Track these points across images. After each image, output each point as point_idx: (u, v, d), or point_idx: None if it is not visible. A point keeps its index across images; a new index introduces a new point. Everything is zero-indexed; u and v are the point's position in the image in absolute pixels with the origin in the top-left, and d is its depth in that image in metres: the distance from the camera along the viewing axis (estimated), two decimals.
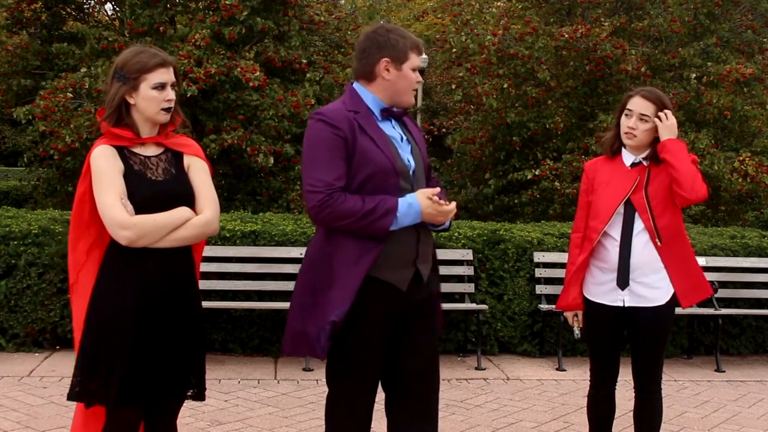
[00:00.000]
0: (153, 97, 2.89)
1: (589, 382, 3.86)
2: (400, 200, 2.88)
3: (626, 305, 3.63)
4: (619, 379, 3.84)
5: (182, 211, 2.90)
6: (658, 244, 3.58)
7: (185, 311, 2.97)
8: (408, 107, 3.07)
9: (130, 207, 2.82)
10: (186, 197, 2.95)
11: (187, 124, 3.11)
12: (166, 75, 2.91)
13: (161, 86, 2.90)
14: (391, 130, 3.01)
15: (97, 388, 2.84)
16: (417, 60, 2.98)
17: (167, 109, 2.93)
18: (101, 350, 2.84)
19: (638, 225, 3.60)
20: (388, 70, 2.96)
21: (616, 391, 3.84)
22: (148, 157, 2.95)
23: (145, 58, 2.90)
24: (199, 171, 3.02)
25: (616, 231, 3.63)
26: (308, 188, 2.86)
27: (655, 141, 3.62)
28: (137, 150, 2.95)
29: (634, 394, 3.80)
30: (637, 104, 3.61)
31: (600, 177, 3.72)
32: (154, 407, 2.96)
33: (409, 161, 2.99)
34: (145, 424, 3.01)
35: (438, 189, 2.94)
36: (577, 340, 4.05)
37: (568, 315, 3.82)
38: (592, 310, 3.72)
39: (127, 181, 2.86)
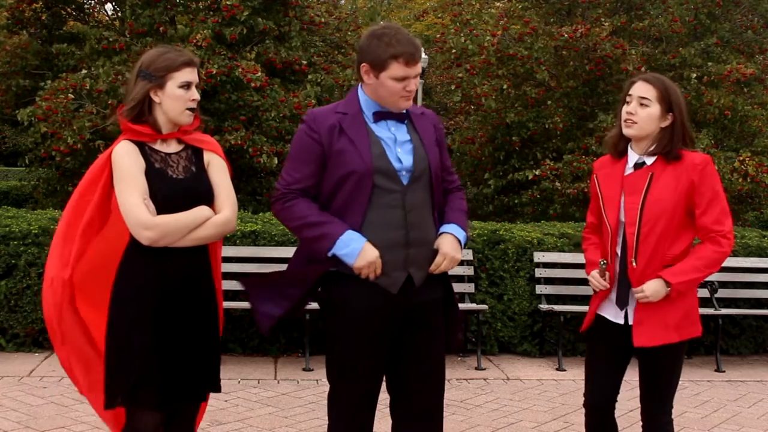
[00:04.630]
0: (179, 96, 2.88)
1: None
2: (347, 234, 2.81)
3: (630, 323, 3.23)
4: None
5: (202, 211, 2.90)
6: (633, 265, 3.14)
7: (203, 311, 2.96)
8: (400, 112, 2.96)
9: (152, 207, 2.82)
10: (206, 195, 2.95)
11: (202, 127, 3.11)
12: (192, 74, 2.91)
13: (187, 85, 2.89)
14: (384, 131, 2.94)
15: (119, 389, 2.83)
16: (399, 69, 2.82)
17: (191, 110, 2.92)
18: (125, 351, 2.84)
19: None
20: (368, 75, 2.90)
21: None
22: (169, 155, 2.95)
23: (173, 56, 2.89)
24: (218, 169, 3.02)
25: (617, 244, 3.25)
26: (277, 183, 2.99)
27: (661, 133, 3.19)
28: (158, 146, 2.94)
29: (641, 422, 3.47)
30: (638, 88, 3.20)
31: (602, 180, 3.33)
32: (174, 409, 2.95)
33: (400, 161, 2.91)
34: (164, 426, 3.00)
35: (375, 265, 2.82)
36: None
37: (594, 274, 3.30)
38: (598, 322, 3.36)
39: (149, 179, 2.85)
